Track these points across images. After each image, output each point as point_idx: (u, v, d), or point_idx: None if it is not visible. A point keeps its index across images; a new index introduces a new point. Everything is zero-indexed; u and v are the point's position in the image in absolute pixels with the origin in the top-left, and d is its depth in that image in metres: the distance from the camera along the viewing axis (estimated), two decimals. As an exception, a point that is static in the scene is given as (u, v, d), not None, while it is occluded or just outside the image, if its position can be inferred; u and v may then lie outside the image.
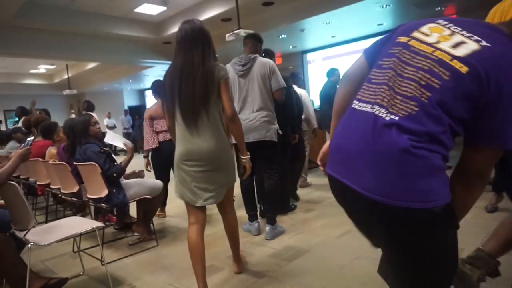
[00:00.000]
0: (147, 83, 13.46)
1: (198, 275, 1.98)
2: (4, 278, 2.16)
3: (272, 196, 3.11)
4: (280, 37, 8.44)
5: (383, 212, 0.93)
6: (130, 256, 2.85)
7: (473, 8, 6.68)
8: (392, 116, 0.92)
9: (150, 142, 3.64)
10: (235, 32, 5.47)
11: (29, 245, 2.07)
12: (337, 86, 5.55)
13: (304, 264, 2.45)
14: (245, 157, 2.18)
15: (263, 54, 3.26)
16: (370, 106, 0.99)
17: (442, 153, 0.91)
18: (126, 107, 14.93)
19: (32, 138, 2.65)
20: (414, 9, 6.83)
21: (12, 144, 4.82)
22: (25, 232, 2.13)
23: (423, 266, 0.99)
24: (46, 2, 6.87)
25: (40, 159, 3.77)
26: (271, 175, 3.06)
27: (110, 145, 3.39)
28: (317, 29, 7.92)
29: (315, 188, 4.70)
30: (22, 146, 2.52)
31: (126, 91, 16.06)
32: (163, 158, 3.57)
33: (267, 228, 3.01)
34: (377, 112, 0.95)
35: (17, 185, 2.12)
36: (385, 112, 0.94)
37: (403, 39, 1.03)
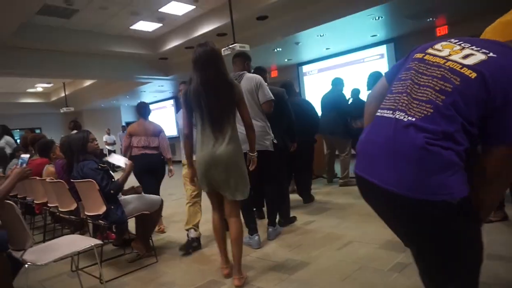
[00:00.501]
0: (144, 99, 13.50)
1: (221, 250, 2.51)
2: None
3: (273, 199, 3.37)
4: (275, 50, 8.51)
5: (405, 205, 1.02)
6: (129, 274, 2.81)
7: (463, 20, 6.78)
8: (410, 118, 1.05)
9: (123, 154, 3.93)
10: (230, 46, 5.53)
11: (26, 265, 2.04)
12: (343, 94, 5.75)
13: (305, 276, 2.42)
14: (254, 154, 2.56)
15: (252, 71, 3.39)
16: (391, 112, 1.12)
17: (456, 150, 0.98)
18: (123, 124, 14.91)
19: (28, 156, 2.63)
20: (405, 20, 6.92)
21: (15, 161, 4.82)
22: (22, 252, 2.10)
23: (445, 258, 1.05)
24: (43, 22, 6.93)
25: (37, 177, 3.75)
26: (271, 181, 3.32)
27: (108, 162, 3.41)
28: (312, 41, 8.00)
29: (314, 199, 4.67)
30: (18, 164, 2.50)
31: (123, 107, 16.08)
32: (136, 170, 3.86)
33: (269, 229, 3.29)
34: (397, 116, 1.08)
35: (14, 204, 2.10)
36: (404, 115, 1.07)
37: (419, 55, 1.18)
